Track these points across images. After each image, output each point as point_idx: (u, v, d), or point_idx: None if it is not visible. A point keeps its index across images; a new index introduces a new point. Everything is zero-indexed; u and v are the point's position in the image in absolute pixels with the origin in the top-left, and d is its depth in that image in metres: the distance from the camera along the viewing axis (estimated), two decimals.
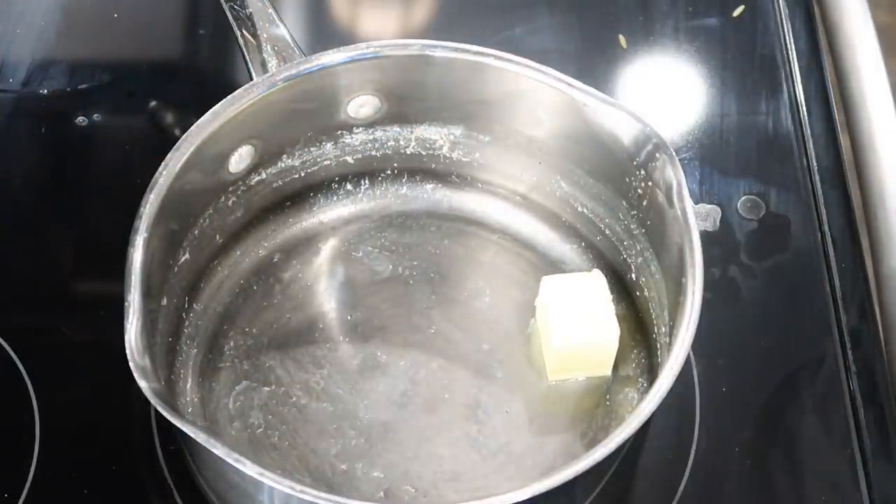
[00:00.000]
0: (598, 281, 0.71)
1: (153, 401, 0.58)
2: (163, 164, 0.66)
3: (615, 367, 0.71)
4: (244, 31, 0.73)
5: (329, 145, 0.75)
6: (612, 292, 0.71)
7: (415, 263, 0.76)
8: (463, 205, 0.78)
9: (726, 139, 0.84)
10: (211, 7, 0.87)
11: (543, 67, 0.70)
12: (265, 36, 0.73)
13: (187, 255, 0.70)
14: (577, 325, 0.69)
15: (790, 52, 0.87)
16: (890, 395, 0.73)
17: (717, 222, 0.79)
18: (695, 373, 0.73)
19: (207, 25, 0.89)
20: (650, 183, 0.68)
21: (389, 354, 0.72)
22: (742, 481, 0.70)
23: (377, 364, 0.71)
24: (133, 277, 0.62)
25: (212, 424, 0.69)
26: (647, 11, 0.90)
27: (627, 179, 0.70)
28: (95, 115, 0.84)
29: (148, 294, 0.62)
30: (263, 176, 0.74)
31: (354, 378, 0.71)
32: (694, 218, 0.64)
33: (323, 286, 0.75)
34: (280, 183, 0.75)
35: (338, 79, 0.71)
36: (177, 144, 0.66)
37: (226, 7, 0.74)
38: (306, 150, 0.75)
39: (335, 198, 0.77)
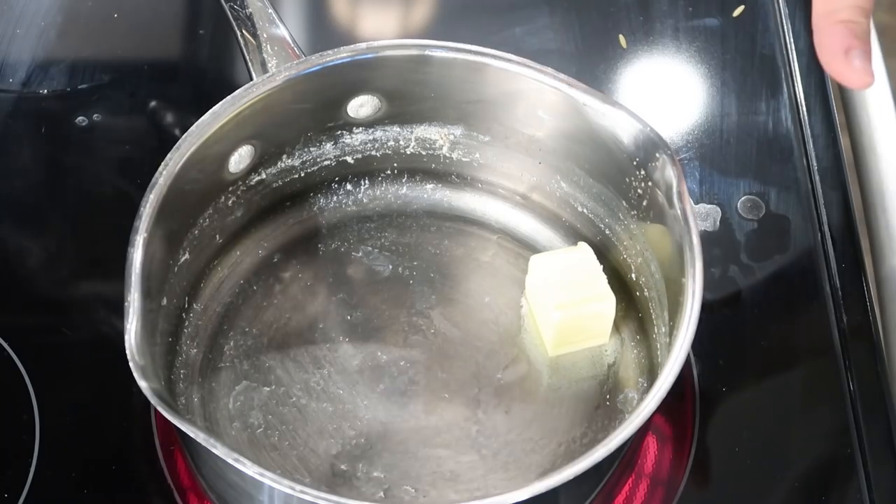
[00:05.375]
0: (585, 253, 0.71)
1: (153, 401, 0.58)
2: (163, 164, 0.66)
3: (615, 367, 0.72)
4: (244, 31, 0.73)
5: (329, 145, 0.75)
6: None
7: (415, 263, 0.76)
8: (463, 205, 0.78)
9: (726, 139, 0.84)
10: (211, 7, 0.87)
11: (543, 67, 0.70)
12: (265, 36, 0.73)
13: (187, 255, 0.70)
14: (572, 296, 0.70)
15: (790, 52, 0.87)
16: (890, 394, 0.73)
17: (717, 222, 0.79)
18: (695, 373, 0.73)
19: (207, 25, 0.89)
20: (650, 183, 0.68)
21: (389, 354, 0.72)
22: (742, 481, 0.70)
23: (377, 364, 0.71)
24: (133, 277, 0.62)
25: (212, 424, 0.69)
26: (647, 11, 0.90)
27: (627, 179, 0.70)
28: (95, 115, 0.84)
29: (148, 294, 0.62)
30: (263, 176, 0.74)
31: (354, 378, 0.71)
32: (694, 218, 0.64)
33: (323, 286, 0.75)
34: (280, 183, 0.75)
35: (338, 79, 0.71)
36: (177, 144, 0.66)
37: (226, 7, 0.74)
38: (306, 150, 0.75)
39: (335, 198, 0.77)
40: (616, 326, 0.73)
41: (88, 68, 0.86)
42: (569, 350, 0.72)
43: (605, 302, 0.70)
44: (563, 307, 0.70)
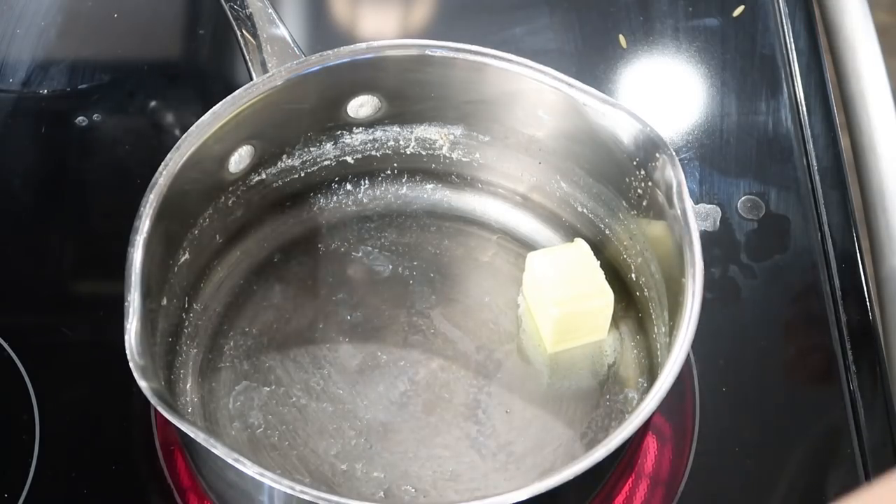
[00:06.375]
0: (582, 249, 0.72)
1: (153, 401, 0.58)
2: (163, 164, 0.66)
3: (615, 367, 0.72)
4: (244, 31, 0.73)
5: (329, 145, 0.75)
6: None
7: (415, 263, 0.76)
8: (463, 205, 0.78)
9: (726, 139, 0.84)
10: (211, 7, 0.87)
11: (543, 67, 0.70)
12: (265, 36, 0.73)
13: (187, 255, 0.70)
14: (570, 292, 0.70)
15: (790, 52, 0.87)
16: (890, 394, 0.73)
17: (717, 222, 0.79)
18: (695, 373, 0.73)
19: (207, 25, 0.89)
20: (650, 183, 0.68)
21: (389, 354, 0.72)
22: (742, 481, 0.70)
23: (377, 364, 0.71)
24: (133, 277, 0.62)
25: (212, 424, 0.69)
26: (647, 11, 0.90)
27: (627, 179, 0.70)
28: (95, 115, 0.84)
29: (148, 294, 0.62)
30: (263, 176, 0.74)
31: (354, 378, 0.71)
32: (694, 218, 0.64)
33: (323, 286, 0.75)
34: (280, 183, 0.75)
35: (338, 79, 0.71)
36: (177, 144, 0.66)
37: (226, 7, 0.74)
38: (306, 150, 0.75)
39: (335, 198, 0.77)
40: (616, 326, 0.73)
41: (88, 68, 0.86)
42: (568, 346, 0.72)
43: (603, 297, 0.70)
44: (561, 303, 0.70)
